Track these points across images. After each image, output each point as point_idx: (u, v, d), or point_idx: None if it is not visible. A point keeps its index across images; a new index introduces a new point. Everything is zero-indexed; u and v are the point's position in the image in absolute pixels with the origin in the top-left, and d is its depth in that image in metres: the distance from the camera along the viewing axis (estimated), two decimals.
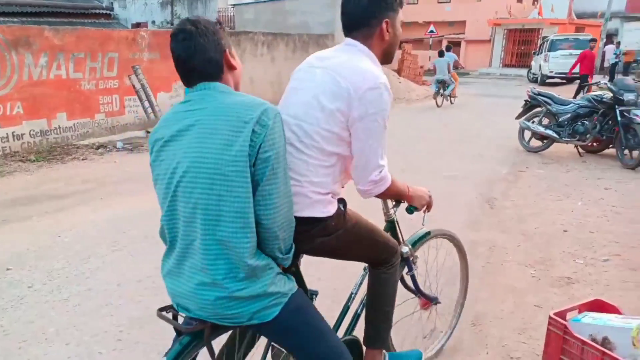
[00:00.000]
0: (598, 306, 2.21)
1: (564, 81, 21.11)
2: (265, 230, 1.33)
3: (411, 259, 2.09)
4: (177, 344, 1.37)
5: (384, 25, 1.60)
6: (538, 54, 22.48)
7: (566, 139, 7.09)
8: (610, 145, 7.05)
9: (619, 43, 20.31)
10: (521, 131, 7.66)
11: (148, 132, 8.31)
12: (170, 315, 1.41)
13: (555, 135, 7.18)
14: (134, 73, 8.43)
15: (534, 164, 6.81)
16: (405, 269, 2.09)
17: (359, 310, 1.97)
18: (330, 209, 1.56)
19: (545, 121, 7.56)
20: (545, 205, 4.94)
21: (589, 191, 5.42)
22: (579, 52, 20.45)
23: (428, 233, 2.21)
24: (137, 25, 20.87)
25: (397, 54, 22.74)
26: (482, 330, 2.72)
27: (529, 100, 7.67)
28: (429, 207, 1.92)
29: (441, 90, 13.63)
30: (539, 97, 7.46)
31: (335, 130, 1.51)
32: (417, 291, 2.21)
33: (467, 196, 5.15)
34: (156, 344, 2.46)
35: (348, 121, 1.49)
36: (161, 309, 1.41)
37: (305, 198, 1.51)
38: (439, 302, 2.33)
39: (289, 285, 1.42)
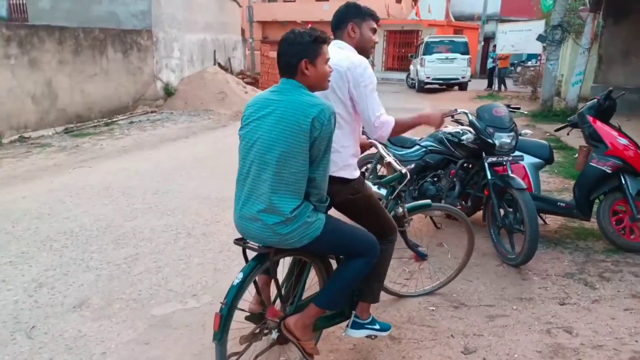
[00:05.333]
0: None
1: (444, 87, 19.40)
2: (316, 184, 1.99)
3: (405, 219, 2.77)
4: (248, 266, 2.08)
5: (349, 27, 2.38)
6: (415, 58, 20.52)
7: (441, 204, 4.20)
8: (482, 207, 4.33)
9: (495, 46, 18.84)
10: None
11: None
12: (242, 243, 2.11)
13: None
14: None
15: None
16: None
17: None
18: (355, 174, 2.31)
19: (382, 170, 4.67)
20: None
21: None
22: (456, 55, 18.86)
23: (429, 205, 2.96)
24: None
25: (257, 56, 19.58)
26: None
27: None
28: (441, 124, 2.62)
29: None
30: None
31: (346, 99, 2.25)
32: (407, 245, 2.97)
33: None
34: None
35: (349, 92, 2.24)
36: (237, 239, 2.13)
37: (340, 162, 2.23)
38: (425, 259, 3.07)
39: (320, 215, 2.06)
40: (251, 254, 2.15)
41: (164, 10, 11.97)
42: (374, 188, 4.33)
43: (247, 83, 16.60)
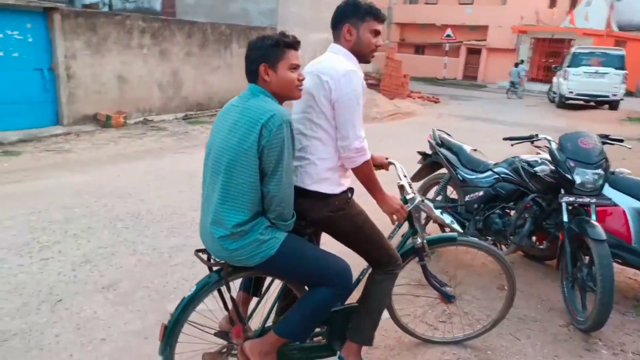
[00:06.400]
0: None
1: (592, 103, 17.24)
2: (270, 199, 1.82)
3: (424, 252, 2.40)
4: (205, 278, 1.96)
5: (345, 28, 2.07)
6: (559, 70, 18.56)
7: (472, 238, 3.71)
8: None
9: None
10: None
11: None
12: (205, 256, 1.97)
13: (458, 227, 3.78)
14: None
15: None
16: (417, 259, 2.44)
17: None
18: (335, 189, 2.03)
19: (453, 193, 4.21)
20: None
21: None
22: (608, 70, 16.62)
23: (454, 239, 2.55)
24: (88, 6, 18.31)
25: (381, 58, 19.29)
26: None
27: (430, 153, 4.31)
28: (398, 218, 2.17)
29: (512, 88, 20.22)
30: (442, 150, 4.09)
31: (327, 110, 1.96)
32: (428, 282, 2.51)
33: None
34: None
35: (331, 102, 1.95)
36: (197, 250, 1.98)
37: (315, 174, 2.00)
38: (452, 301, 2.56)
39: (279, 233, 1.87)
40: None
41: (290, 9, 12.34)
42: (436, 212, 3.96)
43: (369, 85, 16.52)
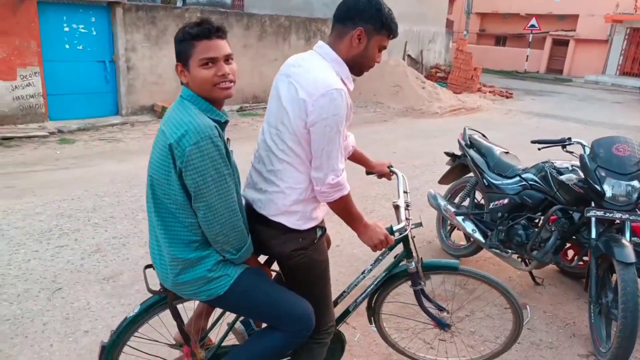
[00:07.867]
0: None
1: None
2: (205, 229, 1.57)
3: (419, 278, 2.12)
4: (152, 298, 1.80)
5: (356, 32, 1.68)
6: None
7: (494, 249, 3.36)
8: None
9: None
10: (439, 211, 3.95)
11: None
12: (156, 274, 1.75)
13: (480, 237, 3.46)
14: None
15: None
16: (409, 283, 2.16)
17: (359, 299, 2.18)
18: (303, 224, 1.73)
19: (481, 199, 3.85)
20: None
21: None
22: None
23: (455, 268, 2.17)
24: (167, 0, 19.10)
25: (452, 48, 18.43)
26: None
27: (459, 155, 3.95)
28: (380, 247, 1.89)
29: None
30: (471, 151, 3.73)
31: (301, 134, 1.63)
32: (421, 308, 2.22)
33: None
34: None
35: (306, 125, 1.61)
36: (147, 266, 1.81)
37: (282, 205, 1.71)
38: (446, 330, 2.29)
39: (232, 269, 1.65)
40: None
41: None
42: (458, 219, 3.65)
43: (438, 78, 15.86)
